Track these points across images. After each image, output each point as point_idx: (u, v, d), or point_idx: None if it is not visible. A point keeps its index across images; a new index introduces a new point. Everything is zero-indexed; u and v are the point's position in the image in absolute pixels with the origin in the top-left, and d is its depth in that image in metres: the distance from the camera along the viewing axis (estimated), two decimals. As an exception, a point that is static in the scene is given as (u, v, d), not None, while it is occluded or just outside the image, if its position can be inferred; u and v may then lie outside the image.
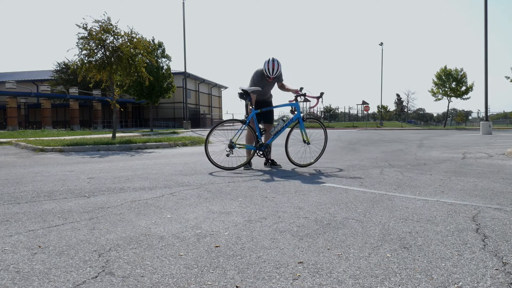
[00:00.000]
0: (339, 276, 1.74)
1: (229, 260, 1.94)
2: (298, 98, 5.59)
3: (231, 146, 5.33)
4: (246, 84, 5.88)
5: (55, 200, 3.38)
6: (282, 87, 5.89)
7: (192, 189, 3.88)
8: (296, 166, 5.58)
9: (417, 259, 1.94)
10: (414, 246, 2.12)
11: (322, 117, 64.83)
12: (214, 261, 1.93)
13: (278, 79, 5.85)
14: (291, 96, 5.73)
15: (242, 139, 5.54)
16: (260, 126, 5.72)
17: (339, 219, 2.72)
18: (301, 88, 5.59)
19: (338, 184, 4.18)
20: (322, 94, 5.57)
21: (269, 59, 5.56)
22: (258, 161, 6.06)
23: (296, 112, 5.60)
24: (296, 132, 5.68)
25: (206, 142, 5.50)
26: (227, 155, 5.35)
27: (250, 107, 5.47)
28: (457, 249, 2.08)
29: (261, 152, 5.54)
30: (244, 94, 5.45)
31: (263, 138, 5.65)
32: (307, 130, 5.70)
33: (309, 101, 5.63)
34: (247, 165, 5.60)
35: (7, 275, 1.76)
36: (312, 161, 5.71)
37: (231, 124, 5.95)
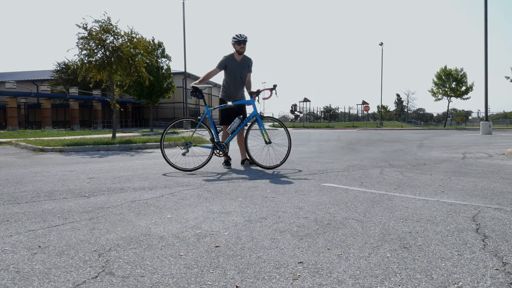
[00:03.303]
0: (339, 276, 1.74)
1: (229, 260, 1.94)
2: (253, 95, 5.54)
3: (187, 144, 5.29)
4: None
5: (55, 200, 3.38)
6: (248, 83, 5.92)
7: (192, 189, 3.88)
8: (260, 168, 5.41)
9: (417, 259, 1.94)
10: (414, 246, 2.12)
11: (322, 117, 64.82)
12: (214, 261, 1.93)
13: (249, 68, 5.91)
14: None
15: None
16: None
17: (339, 219, 2.72)
18: (275, 86, 5.54)
19: (338, 184, 4.18)
20: (275, 86, 5.55)
21: (234, 34, 5.73)
22: (235, 162, 6.03)
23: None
24: (257, 131, 5.55)
25: (161, 141, 5.37)
26: (183, 154, 5.27)
27: (223, 104, 5.53)
28: (457, 249, 2.08)
29: (219, 151, 5.43)
30: (195, 91, 5.37)
31: (220, 137, 5.61)
32: (277, 130, 5.62)
33: (261, 94, 5.59)
34: (226, 164, 5.62)
35: (7, 275, 1.76)
36: (278, 163, 5.49)
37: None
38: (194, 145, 5.42)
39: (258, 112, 5.48)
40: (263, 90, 5.52)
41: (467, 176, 4.69)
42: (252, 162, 5.67)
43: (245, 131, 5.54)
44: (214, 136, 5.40)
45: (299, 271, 1.80)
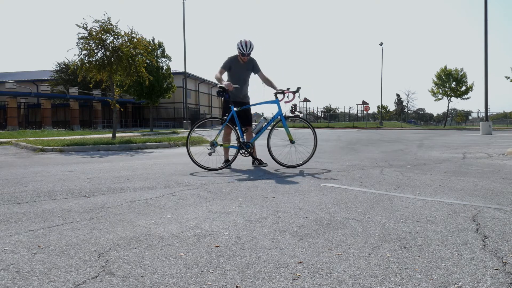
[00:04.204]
0: (339, 276, 1.74)
1: (229, 260, 1.94)
2: (278, 96, 5.51)
3: (213, 144, 5.32)
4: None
5: (55, 200, 3.38)
6: (267, 81, 5.85)
7: (192, 189, 3.88)
8: (282, 167, 5.45)
9: (417, 259, 1.94)
10: (414, 246, 2.12)
11: (322, 117, 64.78)
12: (214, 261, 1.93)
13: (254, 68, 5.89)
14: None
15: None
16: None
17: (339, 219, 2.72)
18: (298, 88, 5.50)
19: (338, 184, 4.18)
20: (298, 88, 5.50)
21: (240, 40, 5.64)
22: (243, 161, 6.05)
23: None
24: (280, 131, 5.59)
25: (187, 141, 5.44)
26: (209, 154, 5.33)
27: (230, 105, 5.45)
28: (457, 249, 2.08)
29: (244, 151, 5.46)
30: (222, 91, 5.39)
31: (245, 137, 5.61)
32: (296, 130, 5.62)
33: (286, 97, 5.52)
34: (253, 163, 5.60)
35: (7, 275, 1.76)
36: (301, 162, 5.52)
37: (210, 122, 5.95)
38: (220, 145, 5.44)
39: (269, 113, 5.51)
40: (287, 92, 5.49)
41: (467, 176, 4.69)
42: (260, 163, 5.69)
43: (268, 131, 5.58)
44: (240, 136, 5.43)
45: (299, 271, 1.80)
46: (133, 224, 2.61)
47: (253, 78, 6.23)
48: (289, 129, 5.52)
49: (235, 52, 5.76)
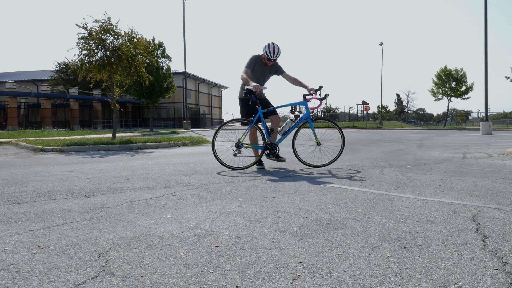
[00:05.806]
0: (339, 276, 1.74)
1: (229, 260, 1.94)
2: (307, 97, 5.46)
3: (238, 145, 5.32)
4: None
5: (55, 200, 3.38)
6: (294, 81, 5.74)
7: (192, 189, 3.88)
8: (306, 166, 5.47)
9: (417, 259, 1.94)
10: (414, 246, 2.12)
11: (321, 117, 64.73)
12: (214, 261, 1.93)
13: (278, 70, 5.82)
14: (300, 93, 5.61)
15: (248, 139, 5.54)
16: (268, 125, 5.61)
17: (339, 219, 2.72)
18: (321, 87, 5.41)
19: (338, 184, 4.18)
20: (326, 95, 5.41)
21: (268, 43, 5.53)
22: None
23: (303, 112, 5.48)
24: (305, 132, 5.59)
25: (213, 142, 5.46)
26: (234, 155, 5.34)
27: (257, 106, 5.39)
28: (457, 249, 2.08)
29: (269, 152, 5.45)
30: (249, 93, 5.34)
31: (271, 138, 5.59)
32: (318, 131, 5.61)
33: (308, 101, 5.53)
34: (258, 164, 5.59)
35: (7, 275, 1.76)
36: (326, 162, 5.52)
37: (232, 124, 5.90)
38: (246, 147, 5.45)
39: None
40: (313, 98, 5.44)
41: (467, 176, 4.69)
42: (260, 163, 5.66)
43: (294, 132, 5.56)
44: (266, 137, 5.42)
45: (299, 271, 1.80)
46: (133, 224, 2.61)
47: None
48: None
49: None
